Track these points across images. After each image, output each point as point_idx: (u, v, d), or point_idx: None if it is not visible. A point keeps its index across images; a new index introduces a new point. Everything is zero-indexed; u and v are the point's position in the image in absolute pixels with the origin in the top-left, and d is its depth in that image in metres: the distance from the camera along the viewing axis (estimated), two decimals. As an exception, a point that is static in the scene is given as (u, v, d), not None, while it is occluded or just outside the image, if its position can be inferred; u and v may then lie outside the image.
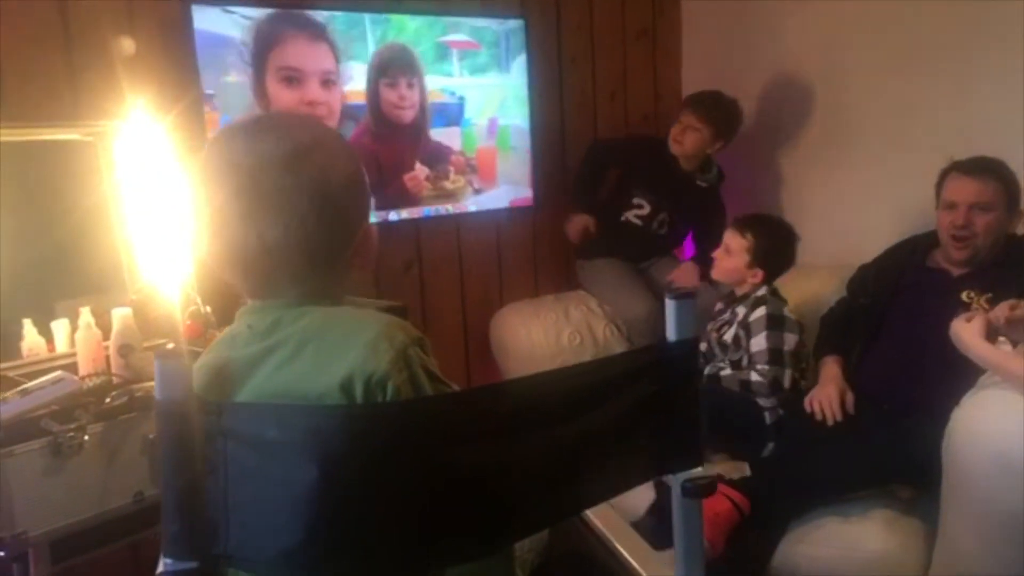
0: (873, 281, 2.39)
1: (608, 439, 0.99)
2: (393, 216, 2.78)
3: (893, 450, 2.00)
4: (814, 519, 2.02)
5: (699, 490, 1.02)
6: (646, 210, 3.01)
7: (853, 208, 2.95)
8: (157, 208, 1.96)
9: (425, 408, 0.92)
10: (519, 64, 2.97)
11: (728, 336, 2.43)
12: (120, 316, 1.84)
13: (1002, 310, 1.78)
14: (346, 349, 0.94)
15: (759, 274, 2.42)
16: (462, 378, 3.09)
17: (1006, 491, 1.64)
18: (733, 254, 2.45)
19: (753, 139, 3.25)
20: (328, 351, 0.95)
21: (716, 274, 2.54)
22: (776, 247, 2.43)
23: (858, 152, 2.91)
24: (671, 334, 0.99)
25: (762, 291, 2.43)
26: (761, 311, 2.37)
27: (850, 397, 2.21)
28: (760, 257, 2.42)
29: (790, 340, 2.35)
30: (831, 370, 2.29)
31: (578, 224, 2.98)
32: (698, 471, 1.03)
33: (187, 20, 2.29)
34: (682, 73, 3.56)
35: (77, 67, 2.13)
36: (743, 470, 2.15)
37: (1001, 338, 1.81)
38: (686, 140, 2.87)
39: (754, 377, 2.31)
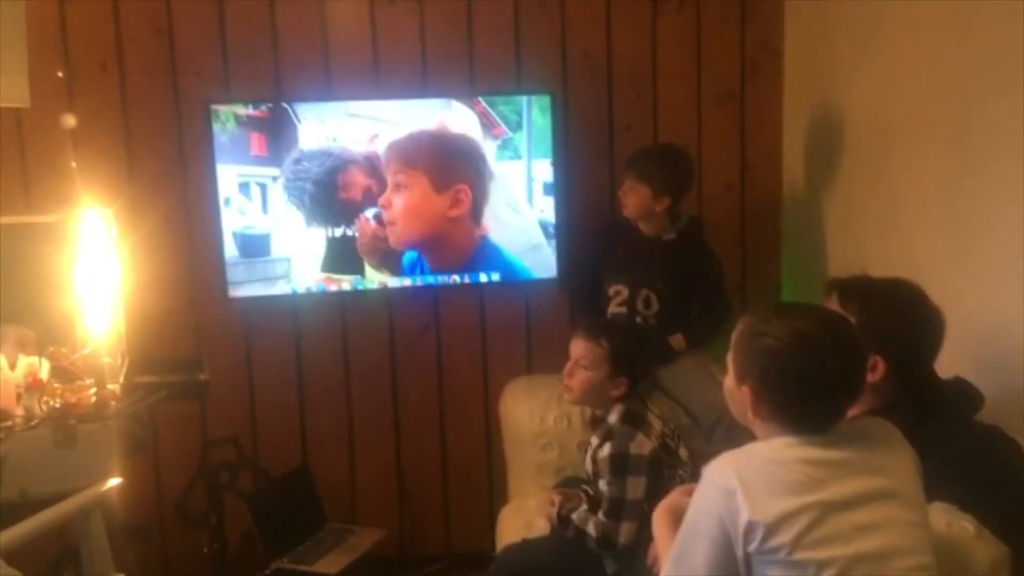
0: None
1: None
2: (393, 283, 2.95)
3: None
4: None
5: None
6: (624, 294, 2.76)
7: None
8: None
9: None
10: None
11: (589, 469, 2.16)
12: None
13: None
14: None
15: (623, 383, 2.13)
16: (482, 447, 3.13)
17: None
18: (588, 367, 2.15)
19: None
20: None
21: (570, 397, 2.23)
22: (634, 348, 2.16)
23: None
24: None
25: (614, 416, 2.11)
26: (606, 449, 2.04)
27: None
28: (619, 363, 2.12)
29: (636, 486, 1.99)
30: None
31: None
32: None
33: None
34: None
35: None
36: None
37: None
38: (628, 201, 2.74)
39: (589, 529, 2.04)
